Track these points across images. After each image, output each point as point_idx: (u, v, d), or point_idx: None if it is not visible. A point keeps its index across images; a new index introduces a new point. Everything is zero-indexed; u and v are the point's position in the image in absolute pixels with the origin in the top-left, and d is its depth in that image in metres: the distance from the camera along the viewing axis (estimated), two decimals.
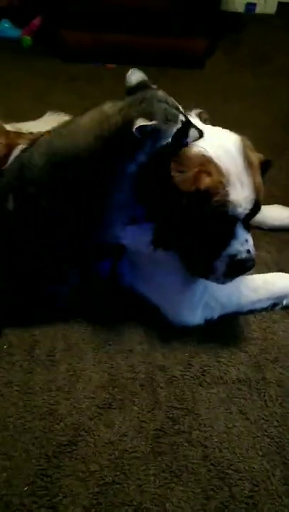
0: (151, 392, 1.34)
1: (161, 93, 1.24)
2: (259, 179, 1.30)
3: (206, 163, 1.23)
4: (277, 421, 1.29)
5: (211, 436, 1.25)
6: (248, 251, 1.30)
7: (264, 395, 1.34)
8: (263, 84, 2.90)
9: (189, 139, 1.24)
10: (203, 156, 1.23)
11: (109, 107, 1.25)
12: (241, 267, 1.31)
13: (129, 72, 1.27)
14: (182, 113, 1.23)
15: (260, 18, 4.01)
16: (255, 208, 1.30)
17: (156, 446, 1.22)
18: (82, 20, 3.02)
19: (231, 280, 1.37)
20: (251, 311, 1.56)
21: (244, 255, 1.30)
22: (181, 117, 1.21)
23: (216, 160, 1.23)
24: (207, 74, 3.06)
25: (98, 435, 1.24)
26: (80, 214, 1.30)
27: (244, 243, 1.30)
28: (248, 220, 1.31)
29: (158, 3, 2.93)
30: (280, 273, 1.62)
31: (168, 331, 1.49)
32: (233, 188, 1.23)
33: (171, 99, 1.24)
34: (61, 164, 1.27)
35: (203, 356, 1.44)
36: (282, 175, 2.21)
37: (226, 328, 1.51)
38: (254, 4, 4.12)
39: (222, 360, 1.43)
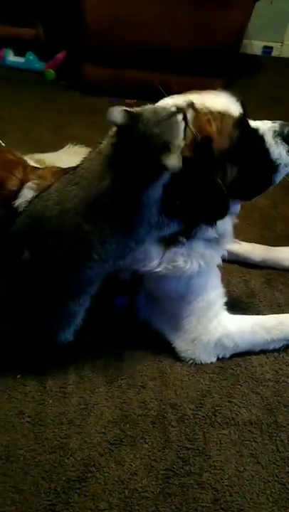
0: (163, 431, 1.33)
1: (150, 115, 1.15)
2: None
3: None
4: (288, 466, 1.28)
5: (221, 479, 1.24)
6: (273, 122, 1.36)
7: (275, 439, 1.33)
8: None
9: (192, 122, 1.22)
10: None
11: (109, 151, 1.22)
12: (287, 129, 1.35)
13: (109, 111, 1.15)
14: (176, 112, 1.17)
15: (276, 61, 4.14)
16: (242, 102, 1.33)
17: (166, 487, 1.21)
18: (103, 56, 3.13)
19: None
20: (264, 351, 1.56)
21: (277, 125, 1.35)
22: (180, 117, 1.16)
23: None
24: None
25: (108, 472, 1.23)
26: (103, 257, 1.28)
27: (265, 123, 1.35)
28: (245, 112, 1.34)
29: (181, 44, 3.03)
30: None
31: (181, 368, 1.50)
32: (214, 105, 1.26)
33: (162, 111, 1.17)
34: (77, 210, 1.24)
35: (215, 396, 1.43)
36: None
37: (239, 368, 1.51)
38: (271, 47, 4.26)
39: (234, 400, 1.42)
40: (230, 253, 1.86)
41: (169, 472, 1.24)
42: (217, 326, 1.49)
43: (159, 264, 1.36)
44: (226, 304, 1.56)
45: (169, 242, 1.35)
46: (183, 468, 1.25)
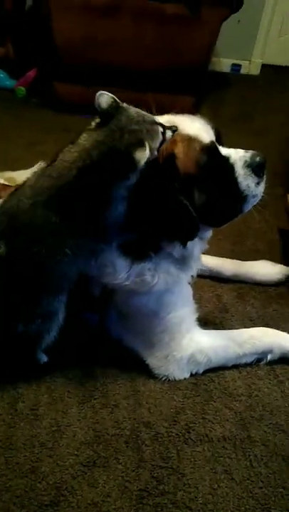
0: (136, 450, 1.32)
1: (134, 113, 1.20)
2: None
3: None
4: (262, 481, 1.28)
5: (196, 497, 1.23)
6: (245, 151, 1.35)
7: (249, 455, 1.33)
8: (245, 142, 2.99)
9: (167, 142, 1.24)
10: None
11: (86, 140, 1.23)
12: (258, 162, 1.34)
13: (97, 94, 1.20)
14: (159, 123, 1.21)
15: (244, 79, 4.24)
16: (215, 129, 1.35)
17: (140, 508, 1.20)
18: (73, 74, 3.15)
19: (264, 181, 1.37)
20: (236, 366, 1.57)
21: (249, 155, 1.33)
22: (160, 128, 1.20)
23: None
24: None
25: (81, 495, 1.21)
26: (75, 251, 1.27)
27: (237, 152, 1.34)
28: (219, 139, 1.35)
29: (149, 62, 3.08)
30: (266, 328, 1.64)
31: (154, 385, 1.49)
32: (185, 129, 1.27)
33: (145, 115, 1.21)
34: (47, 202, 1.25)
35: (188, 412, 1.43)
36: (266, 228, 2.28)
37: (212, 384, 1.51)
38: (239, 65, 4.36)
39: (207, 417, 1.42)
40: (201, 268, 1.89)
41: (143, 492, 1.23)
42: (190, 341, 1.49)
43: (127, 277, 1.36)
44: (199, 319, 1.57)
45: (136, 256, 1.35)
46: (157, 488, 1.24)
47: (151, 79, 3.12)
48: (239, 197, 1.34)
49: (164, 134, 1.21)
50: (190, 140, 1.27)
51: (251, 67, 4.37)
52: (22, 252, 1.29)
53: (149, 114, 1.22)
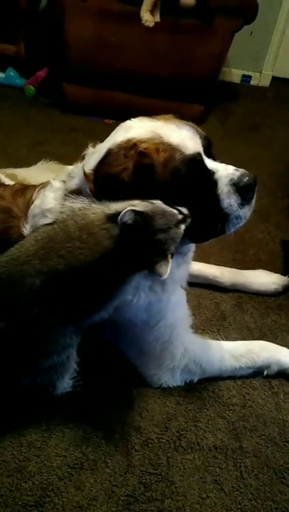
0: (125, 455, 1.30)
1: (159, 220, 1.13)
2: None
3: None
4: (251, 493, 1.26)
5: (183, 506, 1.21)
6: (235, 169, 1.25)
7: (240, 466, 1.31)
8: (252, 153, 3.01)
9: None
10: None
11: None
12: (246, 183, 1.24)
13: (124, 214, 1.09)
14: (180, 219, 1.16)
15: (254, 90, 4.24)
16: (205, 138, 1.26)
17: None
18: (83, 76, 3.15)
19: (250, 205, 1.27)
20: (232, 377, 1.55)
21: (238, 173, 1.24)
22: (182, 227, 1.17)
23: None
24: None
25: (67, 497, 1.19)
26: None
27: (227, 168, 1.25)
28: (209, 150, 1.27)
29: (158, 69, 3.09)
30: (265, 343, 1.60)
31: (147, 390, 1.47)
32: (170, 137, 1.19)
33: (168, 211, 1.15)
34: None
35: (180, 419, 1.41)
36: (269, 239, 2.27)
37: (206, 392, 1.49)
38: (250, 76, 4.36)
39: (199, 424, 1.40)
40: (200, 277, 1.87)
41: (130, 498, 1.21)
42: (183, 351, 1.46)
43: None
44: (196, 326, 1.56)
45: None
46: (144, 495, 1.22)
47: (161, 86, 3.12)
48: (220, 215, 1.25)
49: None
50: (172, 150, 1.18)
51: (261, 79, 4.37)
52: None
53: (173, 213, 1.15)
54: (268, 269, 1.99)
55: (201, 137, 1.25)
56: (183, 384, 1.49)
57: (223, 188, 1.23)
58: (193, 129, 1.25)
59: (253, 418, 1.44)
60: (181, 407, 1.44)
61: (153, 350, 1.45)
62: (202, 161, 1.23)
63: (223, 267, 1.95)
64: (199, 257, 1.72)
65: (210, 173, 1.24)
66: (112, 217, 1.12)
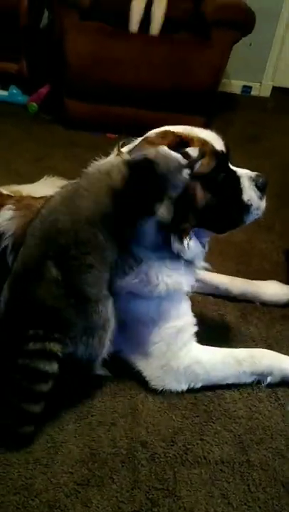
0: (132, 470, 1.30)
1: (162, 163, 1.25)
2: None
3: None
4: (259, 507, 1.25)
5: None
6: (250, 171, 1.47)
7: (247, 479, 1.30)
8: (253, 163, 2.97)
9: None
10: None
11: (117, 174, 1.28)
12: (262, 179, 1.45)
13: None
14: (183, 165, 1.26)
15: (254, 101, 4.27)
16: (225, 144, 1.42)
17: None
18: (84, 92, 3.20)
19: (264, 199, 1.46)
20: (237, 387, 1.54)
21: (254, 174, 1.46)
22: (185, 171, 1.26)
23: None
24: None
25: None
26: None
27: (243, 170, 1.46)
28: (228, 155, 1.44)
29: (158, 82, 3.12)
30: (267, 350, 1.61)
31: (153, 404, 1.47)
32: (201, 133, 1.37)
33: (172, 157, 1.26)
34: (90, 221, 1.27)
35: (186, 433, 1.41)
36: (272, 249, 2.27)
37: (212, 405, 1.49)
38: (250, 87, 4.40)
39: (206, 438, 1.40)
40: (208, 285, 1.88)
41: None
42: (187, 352, 1.48)
43: (135, 275, 1.37)
44: (200, 336, 1.55)
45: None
46: (151, 510, 1.21)
47: (161, 99, 3.15)
48: (243, 206, 1.44)
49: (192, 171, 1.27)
50: (204, 143, 1.34)
51: (262, 90, 4.40)
52: (76, 268, 1.28)
53: (177, 158, 1.25)
54: (272, 278, 1.99)
55: (223, 141, 1.42)
56: (186, 387, 1.49)
57: (245, 183, 1.43)
58: (216, 133, 1.42)
59: (260, 430, 1.43)
60: (187, 421, 1.44)
61: (158, 351, 1.47)
62: (228, 157, 1.42)
63: (232, 277, 1.95)
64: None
65: (234, 171, 1.44)
66: (126, 163, 1.27)
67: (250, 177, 1.45)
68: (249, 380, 1.54)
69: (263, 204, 1.46)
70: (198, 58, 3.09)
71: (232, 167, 1.45)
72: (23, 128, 3.28)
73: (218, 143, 1.39)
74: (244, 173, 1.45)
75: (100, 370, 1.45)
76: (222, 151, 1.39)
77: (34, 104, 3.46)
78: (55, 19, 3.16)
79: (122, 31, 3.11)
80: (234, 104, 4.09)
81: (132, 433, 1.39)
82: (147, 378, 1.50)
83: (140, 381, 1.50)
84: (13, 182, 2.11)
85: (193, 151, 1.27)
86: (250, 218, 1.47)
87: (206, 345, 1.57)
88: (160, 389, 1.49)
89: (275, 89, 4.42)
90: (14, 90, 3.56)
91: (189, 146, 1.30)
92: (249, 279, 1.99)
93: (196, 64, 3.09)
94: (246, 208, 1.44)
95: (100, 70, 3.08)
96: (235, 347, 1.68)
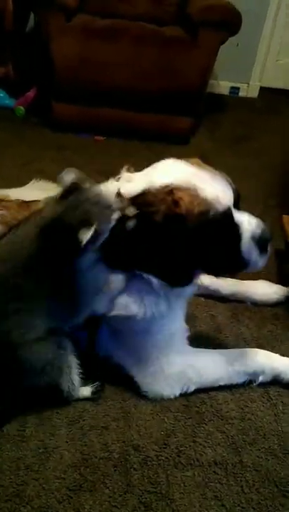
0: (124, 474, 1.29)
1: (93, 194, 1.25)
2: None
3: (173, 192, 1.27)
4: (253, 508, 1.24)
5: None
6: (257, 224, 1.34)
7: (241, 480, 1.30)
8: (242, 164, 3.03)
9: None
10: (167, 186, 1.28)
11: (47, 212, 1.28)
12: (265, 238, 1.34)
13: (63, 172, 1.27)
14: (114, 210, 1.25)
15: (242, 101, 4.28)
16: (235, 191, 1.33)
17: None
18: (71, 94, 3.18)
19: (267, 255, 1.37)
20: (229, 388, 1.54)
21: (259, 231, 1.33)
22: (114, 215, 1.24)
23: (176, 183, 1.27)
24: (190, 151, 3.20)
25: None
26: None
27: (250, 222, 1.33)
28: (237, 203, 1.35)
29: (146, 84, 3.12)
30: (258, 349, 1.60)
31: (145, 407, 1.46)
32: (205, 190, 1.27)
33: (103, 199, 1.25)
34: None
35: (179, 435, 1.40)
36: None
37: (204, 406, 1.48)
38: (238, 88, 4.41)
39: (198, 440, 1.39)
40: (200, 287, 1.87)
41: None
42: (180, 357, 1.48)
43: (110, 309, 1.38)
44: (192, 338, 1.55)
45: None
46: None
47: (149, 100, 3.15)
48: (240, 262, 1.36)
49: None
50: (206, 204, 1.26)
51: (249, 90, 4.41)
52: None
53: (107, 199, 1.25)
54: (262, 279, 1.99)
55: (232, 189, 1.32)
56: (179, 392, 1.48)
57: (246, 242, 1.33)
58: (226, 181, 1.32)
59: (253, 431, 1.43)
60: (179, 423, 1.43)
61: (150, 356, 1.46)
62: (232, 215, 1.30)
63: (223, 277, 1.94)
64: None
65: (236, 227, 1.32)
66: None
67: (253, 237, 1.32)
68: (241, 379, 1.54)
69: (263, 260, 1.37)
70: (186, 59, 3.08)
71: (237, 218, 1.32)
72: (11, 132, 3.26)
73: (224, 198, 1.29)
74: (248, 230, 1.32)
75: (84, 392, 1.46)
76: (226, 208, 1.28)
77: (21, 107, 3.45)
78: (41, 22, 3.14)
79: (109, 30, 3.09)
80: (222, 105, 4.10)
81: (124, 436, 1.38)
82: (139, 384, 1.49)
83: (132, 384, 1.49)
84: (1, 185, 2.09)
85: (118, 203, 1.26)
86: (248, 270, 1.41)
87: (198, 346, 1.56)
88: (153, 395, 1.48)
89: (263, 90, 4.44)
90: (1, 94, 3.54)
91: (185, 210, 1.24)
92: (239, 279, 1.98)
93: (183, 64, 3.08)
94: (244, 264, 1.36)
95: (87, 72, 3.06)
96: (227, 347, 1.69)
